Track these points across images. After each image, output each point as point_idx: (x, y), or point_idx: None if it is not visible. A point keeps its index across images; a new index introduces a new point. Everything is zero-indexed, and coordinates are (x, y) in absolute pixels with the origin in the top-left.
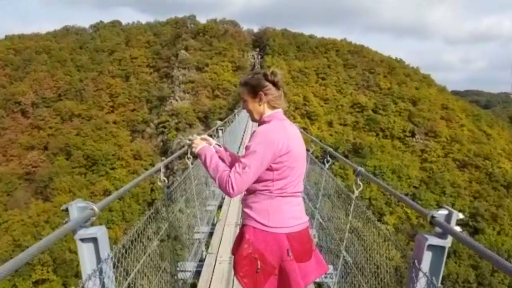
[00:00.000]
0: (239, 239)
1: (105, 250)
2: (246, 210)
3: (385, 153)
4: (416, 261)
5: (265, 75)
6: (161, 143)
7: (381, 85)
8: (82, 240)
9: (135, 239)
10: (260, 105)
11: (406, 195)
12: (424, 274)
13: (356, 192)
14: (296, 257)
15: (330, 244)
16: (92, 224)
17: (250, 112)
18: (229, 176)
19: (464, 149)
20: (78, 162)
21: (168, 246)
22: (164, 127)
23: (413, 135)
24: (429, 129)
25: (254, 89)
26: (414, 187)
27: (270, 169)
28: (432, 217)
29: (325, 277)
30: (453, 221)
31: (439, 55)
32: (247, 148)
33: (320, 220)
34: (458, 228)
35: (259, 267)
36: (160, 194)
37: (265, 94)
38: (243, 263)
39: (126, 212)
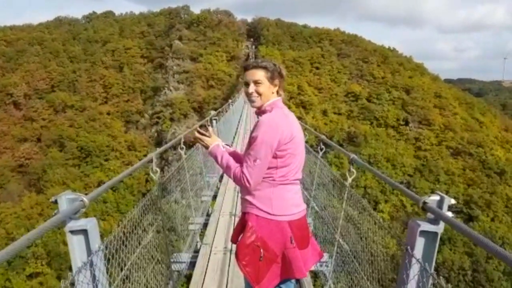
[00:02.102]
0: (241, 227)
1: (96, 242)
2: (248, 198)
3: (380, 141)
4: (409, 247)
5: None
6: (156, 134)
7: (375, 74)
8: (72, 232)
9: (128, 231)
10: (273, 92)
11: (401, 183)
12: (417, 260)
13: (350, 179)
14: (297, 244)
15: (326, 233)
16: (87, 215)
17: (258, 95)
18: (243, 172)
19: (457, 137)
20: (71, 153)
21: (163, 237)
22: (159, 117)
23: (407, 123)
24: (422, 118)
25: (273, 75)
26: (409, 175)
27: (274, 156)
28: (424, 203)
29: (321, 266)
30: (445, 207)
31: (432, 44)
32: (253, 139)
33: (316, 208)
34: (450, 214)
35: (262, 255)
36: (154, 185)
37: (280, 82)
38: (245, 252)
39: (121, 203)
